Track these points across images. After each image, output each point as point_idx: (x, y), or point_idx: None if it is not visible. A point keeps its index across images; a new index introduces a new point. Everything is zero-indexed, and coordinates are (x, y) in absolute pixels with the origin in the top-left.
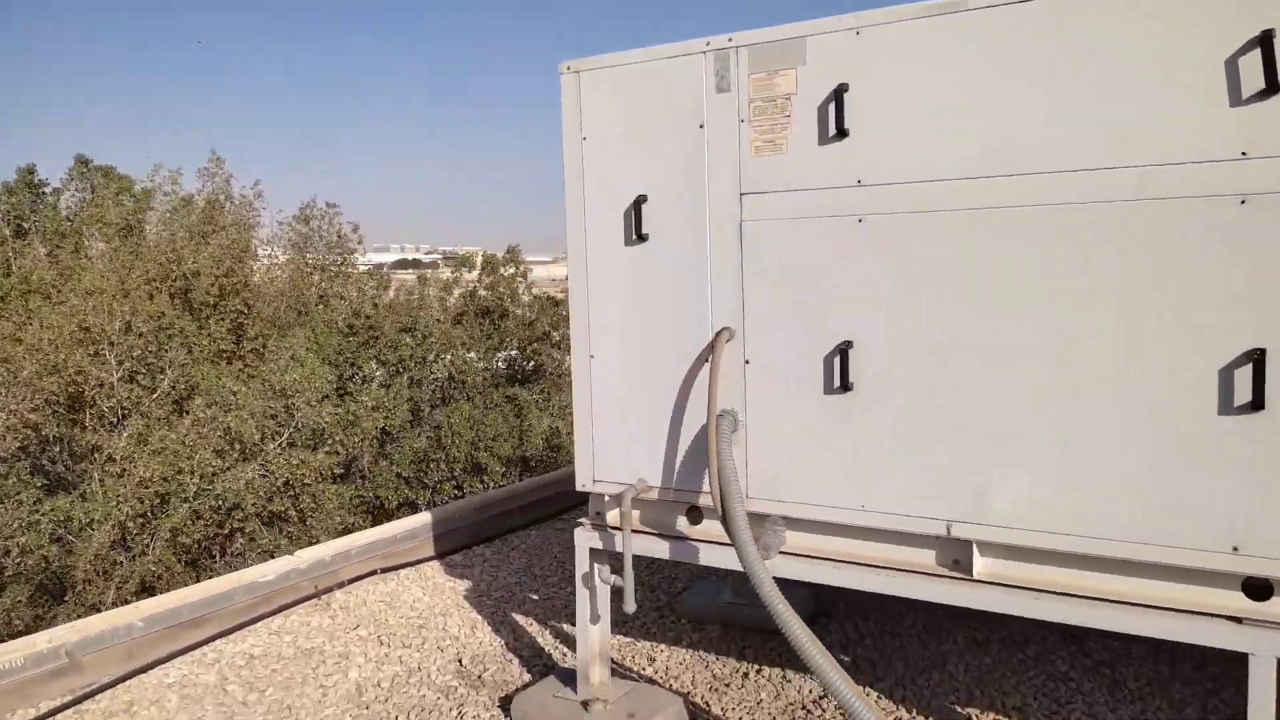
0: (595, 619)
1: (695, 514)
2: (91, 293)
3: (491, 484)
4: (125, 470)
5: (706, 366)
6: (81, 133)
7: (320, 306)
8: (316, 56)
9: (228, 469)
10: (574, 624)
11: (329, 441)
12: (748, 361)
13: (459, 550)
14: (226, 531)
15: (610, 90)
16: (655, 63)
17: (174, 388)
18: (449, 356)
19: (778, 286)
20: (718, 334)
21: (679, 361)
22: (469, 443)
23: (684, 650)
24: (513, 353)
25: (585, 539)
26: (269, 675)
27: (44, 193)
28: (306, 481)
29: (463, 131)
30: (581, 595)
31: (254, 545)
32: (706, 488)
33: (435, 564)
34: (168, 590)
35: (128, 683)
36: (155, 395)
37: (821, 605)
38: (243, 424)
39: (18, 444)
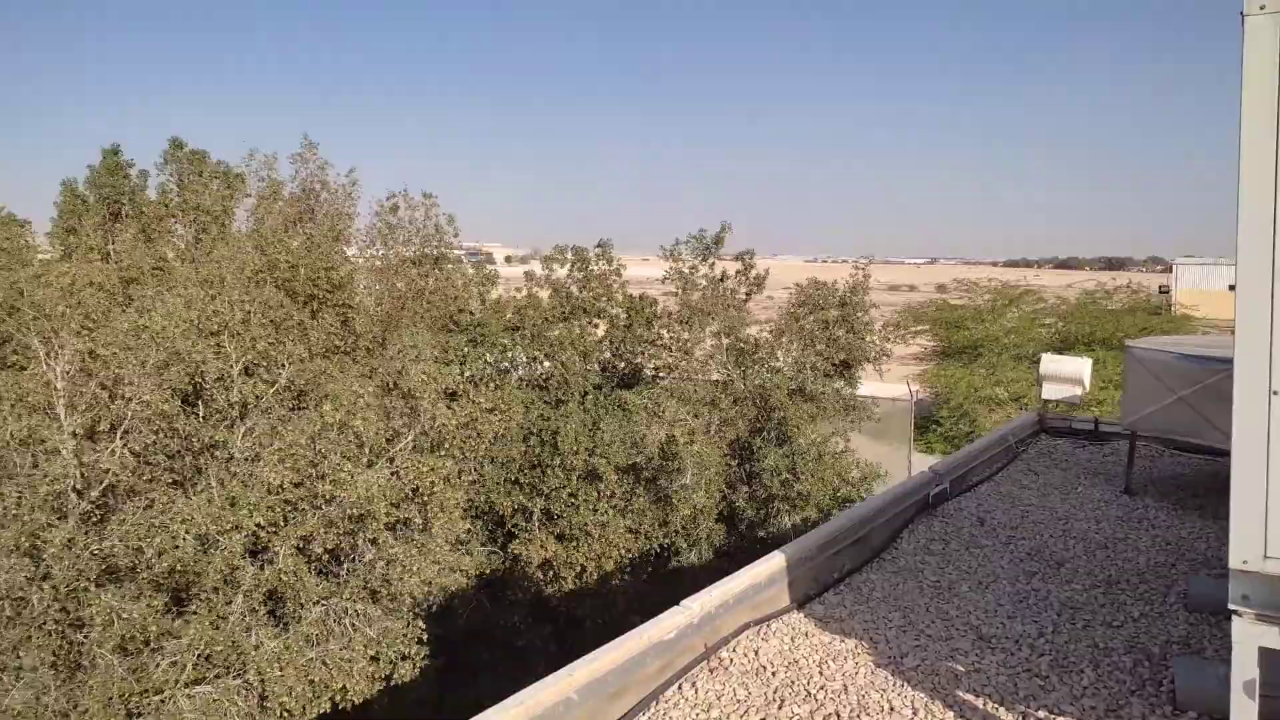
0: None
1: None
2: (210, 282)
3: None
4: (251, 473)
5: None
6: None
7: (416, 302)
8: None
9: (359, 474)
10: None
11: (447, 444)
12: None
13: (811, 599)
14: (356, 540)
15: None
16: None
17: (292, 383)
18: (557, 357)
19: None
20: None
21: None
22: (586, 449)
23: None
24: (606, 355)
25: (1251, 634)
26: None
27: (129, 175)
28: (435, 488)
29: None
30: (1242, 706)
31: (381, 553)
32: None
33: (799, 616)
34: (296, 599)
35: None
36: (274, 390)
37: None
38: (370, 426)
39: (152, 436)
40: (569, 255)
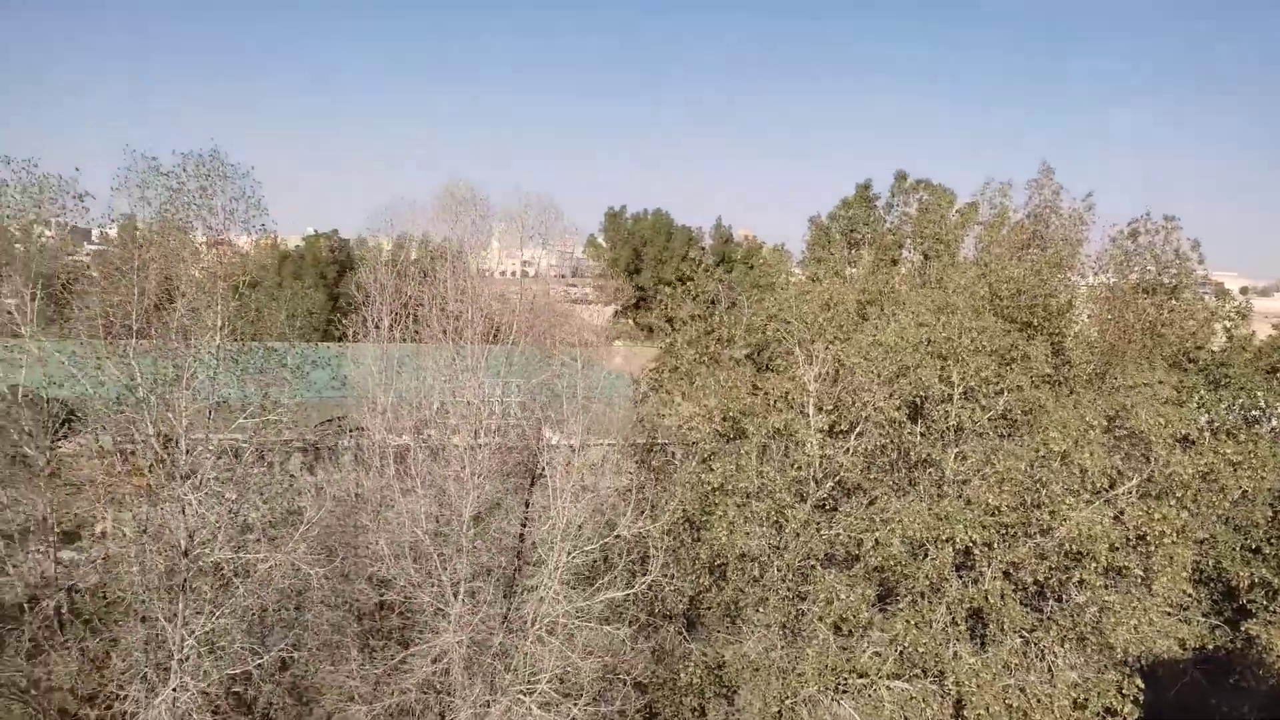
0: None
1: None
2: (943, 309)
3: None
4: (962, 493)
5: None
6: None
7: (1146, 334)
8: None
9: (1078, 510)
10: None
11: (1178, 494)
12: None
13: None
14: (1070, 577)
15: None
16: None
17: (1008, 411)
18: None
19: None
20: None
21: None
22: None
23: None
24: None
25: None
26: None
27: (875, 206)
28: (1164, 539)
29: None
30: None
31: (1094, 598)
32: None
33: None
34: (999, 622)
35: None
36: (989, 415)
37: None
38: (1098, 462)
39: (880, 441)
40: None
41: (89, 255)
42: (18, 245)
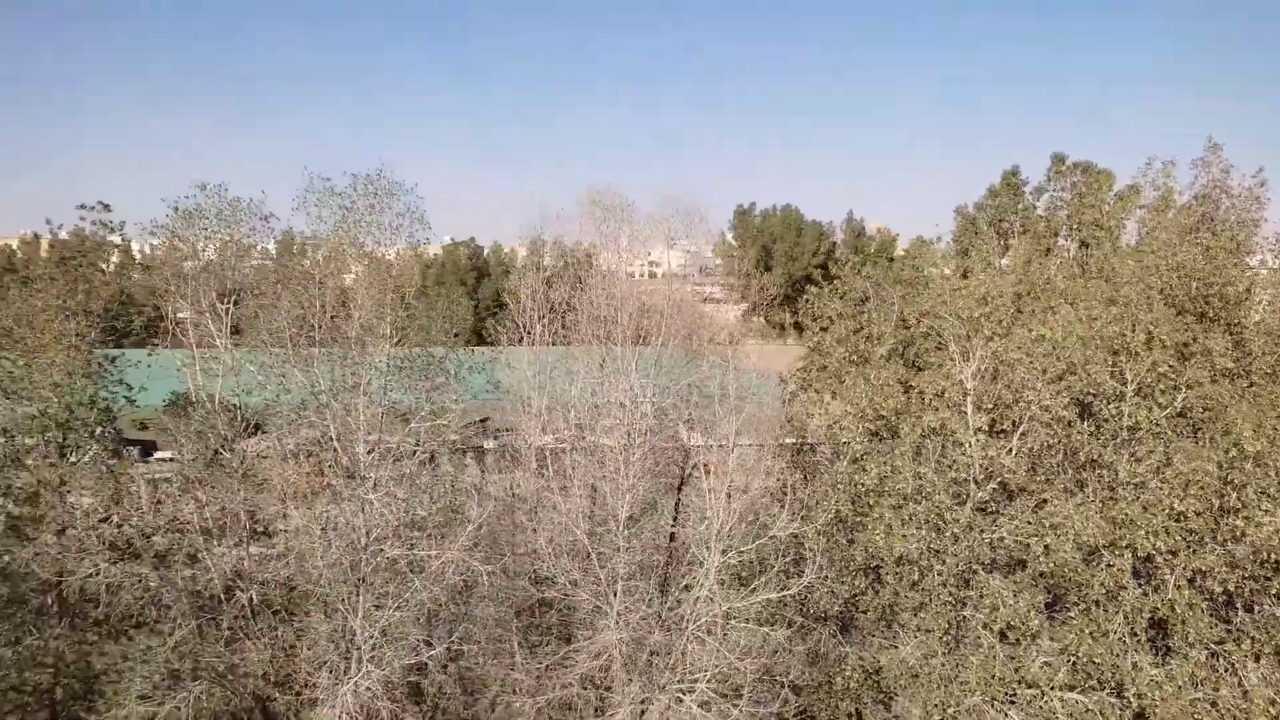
0: None
1: None
2: (1114, 301)
3: None
4: (1139, 497)
5: None
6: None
7: None
8: None
9: (1275, 514)
10: None
11: None
12: None
13: None
14: (1267, 587)
15: None
16: None
17: (1189, 409)
18: None
19: None
20: None
21: None
22: None
23: None
24: None
25: None
26: None
27: (1024, 192)
28: None
29: None
30: None
31: None
32: None
33: None
34: (1183, 633)
35: None
36: (1165, 413)
37: None
38: None
39: (1047, 440)
40: None
41: (260, 269)
42: (195, 261)
